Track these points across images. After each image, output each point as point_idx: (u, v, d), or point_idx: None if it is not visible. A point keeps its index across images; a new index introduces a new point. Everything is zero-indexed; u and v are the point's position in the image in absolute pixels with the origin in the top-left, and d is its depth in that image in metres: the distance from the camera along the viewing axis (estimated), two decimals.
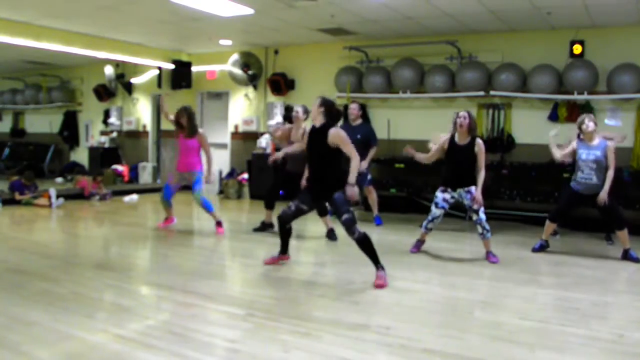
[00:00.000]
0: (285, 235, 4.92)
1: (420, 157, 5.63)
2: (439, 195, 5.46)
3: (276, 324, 3.45)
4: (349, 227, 4.31)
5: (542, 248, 5.84)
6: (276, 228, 6.60)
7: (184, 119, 6.46)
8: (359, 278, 4.63)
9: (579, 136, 5.71)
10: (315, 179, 4.57)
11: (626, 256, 5.50)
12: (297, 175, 6.26)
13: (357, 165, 4.35)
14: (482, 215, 5.27)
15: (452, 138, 5.40)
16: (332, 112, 4.50)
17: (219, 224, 6.54)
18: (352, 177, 4.32)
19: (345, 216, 4.32)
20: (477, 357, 3.00)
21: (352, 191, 4.32)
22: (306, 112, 6.40)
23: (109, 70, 11.67)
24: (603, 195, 5.40)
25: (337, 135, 4.38)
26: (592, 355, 3.10)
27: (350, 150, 4.38)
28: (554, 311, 3.93)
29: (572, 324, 3.57)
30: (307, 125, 6.35)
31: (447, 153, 5.42)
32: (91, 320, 3.45)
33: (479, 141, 5.29)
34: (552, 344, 3.21)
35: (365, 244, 4.35)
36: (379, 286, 4.25)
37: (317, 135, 4.47)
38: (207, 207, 6.50)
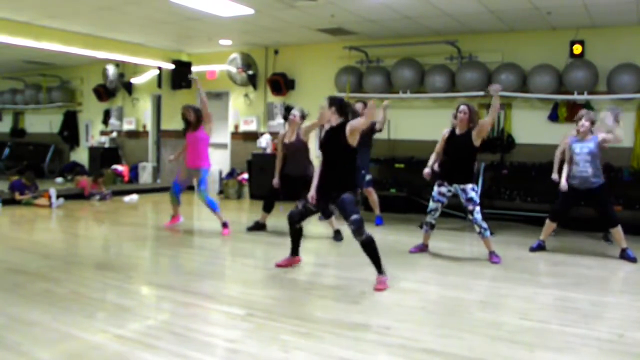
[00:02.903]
0: (295, 235, 4.87)
1: (432, 159, 5.62)
2: (435, 189, 5.52)
3: (276, 324, 3.45)
4: (359, 227, 4.25)
5: (540, 248, 5.87)
6: (269, 229, 6.66)
7: (191, 115, 6.44)
8: (360, 278, 4.63)
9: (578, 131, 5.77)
10: (326, 178, 4.52)
11: (623, 255, 5.52)
12: (295, 177, 6.27)
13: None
14: (477, 215, 5.27)
15: (452, 130, 5.47)
16: (343, 108, 4.48)
17: (224, 225, 6.50)
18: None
19: (354, 216, 4.27)
20: (477, 357, 3.00)
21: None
22: (303, 116, 6.39)
23: (111, 70, 11.65)
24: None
25: (351, 125, 4.33)
26: (592, 355, 3.10)
27: (362, 120, 4.31)
28: (554, 311, 3.94)
29: (572, 324, 3.57)
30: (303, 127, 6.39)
31: (446, 143, 5.46)
32: (91, 320, 3.45)
33: (479, 121, 5.31)
34: (552, 344, 3.21)
35: (370, 248, 4.31)
36: (379, 290, 4.24)
37: (334, 134, 4.45)
38: (212, 207, 6.45)
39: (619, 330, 3.46)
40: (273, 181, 6.47)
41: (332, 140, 4.45)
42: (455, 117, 5.40)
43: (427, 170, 5.59)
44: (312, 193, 4.59)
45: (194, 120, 6.44)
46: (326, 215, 6.15)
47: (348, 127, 4.34)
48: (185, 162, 6.60)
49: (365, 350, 3.07)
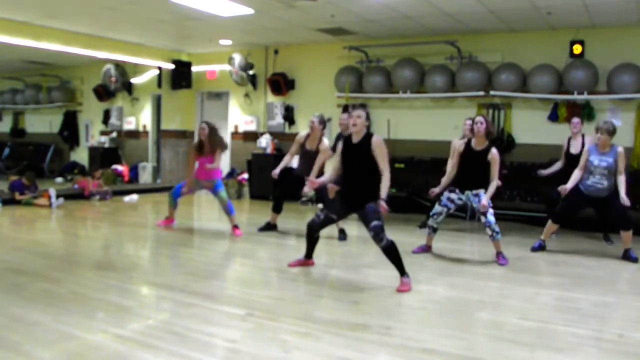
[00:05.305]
0: (312, 242, 4.87)
1: (445, 182, 5.54)
2: (445, 193, 5.47)
3: (276, 324, 3.45)
4: (378, 233, 4.24)
5: (541, 248, 5.86)
6: (279, 229, 6.65)
7: (204, 134, 6.38)
8: (360, 278, 4.63)
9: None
10: (352, 190, 4.46)
11: (625, 256, 5.52)
12: (304, 178, 6.28)
13: (388, 181, 4.28)
14: (491, 218, 5.25)
15: (468, 142, 5.41)
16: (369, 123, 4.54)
17: (236, 227, 6.49)
18: (384, 192, 4.25)
19: (374, 222, 4.24)
20: (477, 357, 3.00)
21: (383, 205, 4.22)
22: (322, 122, 6.30)
23: (114, 71, 11.61)
24: (624, 198, 5.38)
25: (381, 144, 4.33)
26: (592, 355, 3.10)
27: (385, 165, 4.31)
28: (554, 311, 3.93)
29: (572, 324, 3.57)
30: (325, 136, 6.35)
31: (461, 156, 5.40)
32: (91, 320, 3.45)
33: (493, 151, 5.25)
34: (552, 344, 3.21)
35: (392, 253, 4.30)
36: (402, 291, 4.21)
37: (359, 146, 4.38)
38: (230, 210, 6.44)
39: (619, 330, 3.46)
40: (273, 172, 6.41)
41: (358, 152, 4.39)
42: (471, 129, 5.29)
43: (435, 190, 5.54)
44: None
45: (206, 140, 6.38)
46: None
47: (376, 144, 4.30)
48: (196, 175, 6.56)
49: (365, 350, 3.07)
